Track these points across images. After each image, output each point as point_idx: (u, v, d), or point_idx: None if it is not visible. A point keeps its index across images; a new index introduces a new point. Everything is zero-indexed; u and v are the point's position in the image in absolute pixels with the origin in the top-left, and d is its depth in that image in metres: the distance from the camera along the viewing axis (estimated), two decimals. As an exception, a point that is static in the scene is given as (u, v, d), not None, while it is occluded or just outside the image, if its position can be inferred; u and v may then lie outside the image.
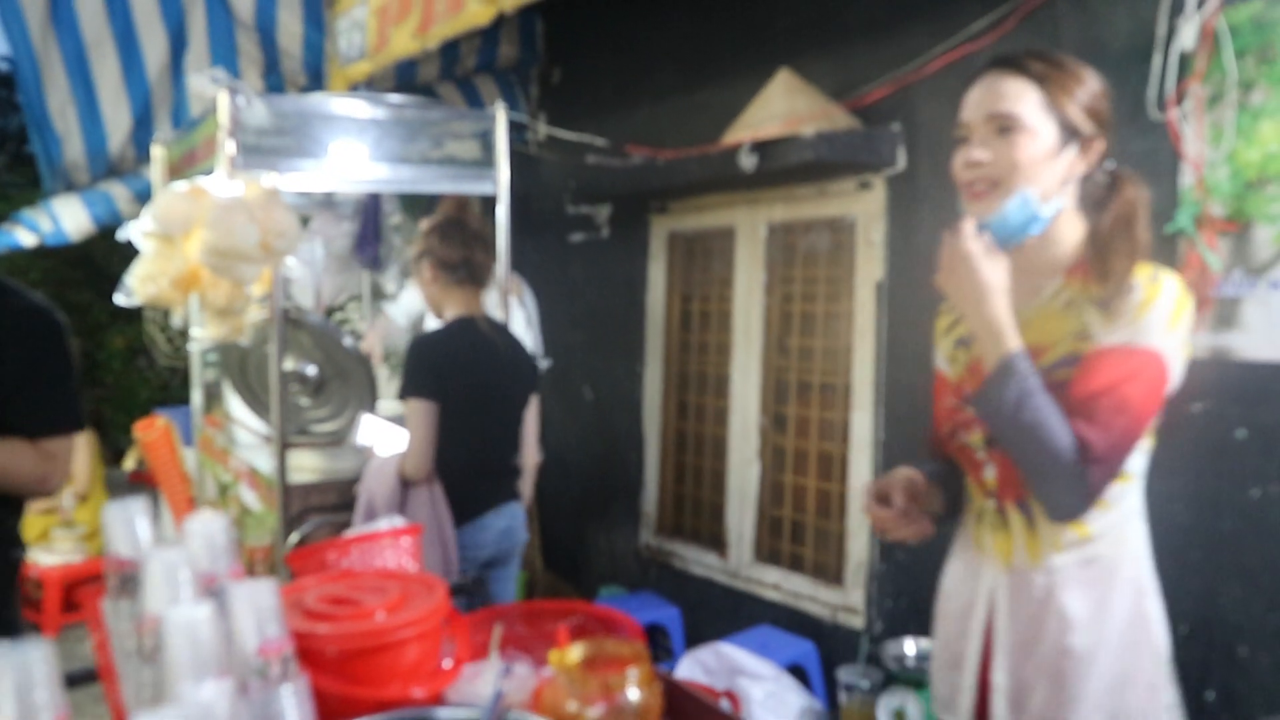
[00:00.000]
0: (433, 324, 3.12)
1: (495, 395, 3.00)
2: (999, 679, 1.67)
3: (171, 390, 9.09)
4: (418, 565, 1.94)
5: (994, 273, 1.56)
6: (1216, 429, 2.61)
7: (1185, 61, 2.61)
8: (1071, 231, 1.65)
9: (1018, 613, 1.65)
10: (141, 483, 8.07)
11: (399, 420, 3.11)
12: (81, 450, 5.18)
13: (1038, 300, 1.66)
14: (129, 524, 1.50)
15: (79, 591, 4.75)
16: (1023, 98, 1.59)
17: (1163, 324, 1.54)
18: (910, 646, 3.16)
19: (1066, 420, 1.52)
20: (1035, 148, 1.59)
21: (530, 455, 3.22)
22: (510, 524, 3.03)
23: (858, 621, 3.60)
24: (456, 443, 2.87)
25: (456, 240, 2.97)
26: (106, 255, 8.13)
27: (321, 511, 3.19)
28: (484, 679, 1.57)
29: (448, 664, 1.63)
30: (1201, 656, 2.65)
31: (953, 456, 1.82)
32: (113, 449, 8.53)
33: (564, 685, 1.47)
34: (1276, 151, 2.45)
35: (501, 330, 3.10)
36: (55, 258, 7.36)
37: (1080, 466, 1.50)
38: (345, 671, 1.50)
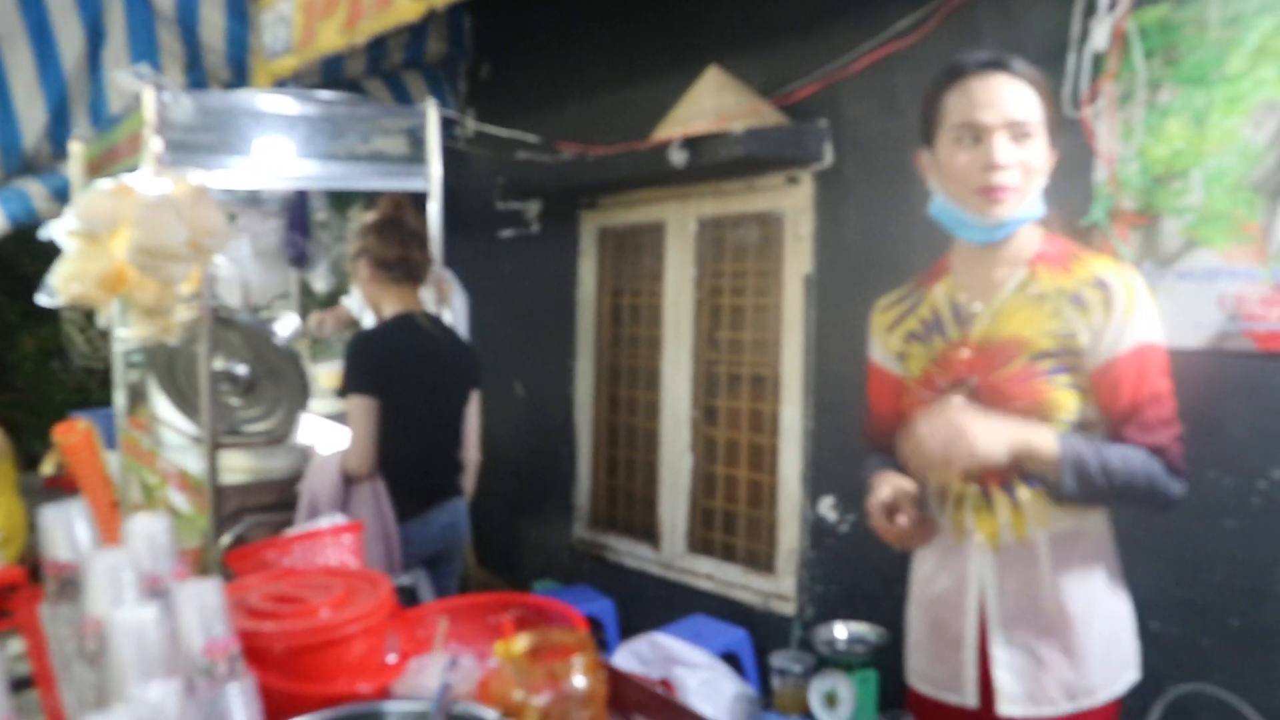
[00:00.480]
0: (371, 321, 3.12)
1: (436, 391, 3.00)
2: (999, 653, 1.76)
3: (89, 393, 8.85)
4: (360, 562, 1.95)
5: (988, 428, 1.61)
6: None
7: (1098, 61, 2.70)
8: (1031, 225, 1.77)
9: (1010, 588, 1.76)
10: (58, 488, 7.87)
11: (339, 418, 3.10)
12: None
13: (1006, 291, 1.75)
14: (68, 527, 1.48)
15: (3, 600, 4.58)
16: (1032, 104, 1.67)
17: (1152, 316, 1.69)
18: (841, 631, 3.22)
19: (1134, 442, 1.66)
20: (1041, 153, 1.70)
21: (472, 451, 3.23)
22: (454, 520, 3.05)
23: (789, 608, 3.67)
24: (399, 439, 2.87)
25: (394, 239, 2.97)
26: (17, 254, 7.88)
27: (254, 512, 3.17)
28: (430, 672, 1.59)
29: (392, 659, 1.65)
30: (1118, 632, 2.78)
31: (894, 448, 1.91)
32: (26, 454, 8.28)
33: (510, 675, 1.49)
34: (1182, 148, 2.56)
35: (441, 326, 3.11)
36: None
37: (1168, 474, 1.68)
38: (292, 668, 1.51)
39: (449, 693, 1.45)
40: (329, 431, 3.43)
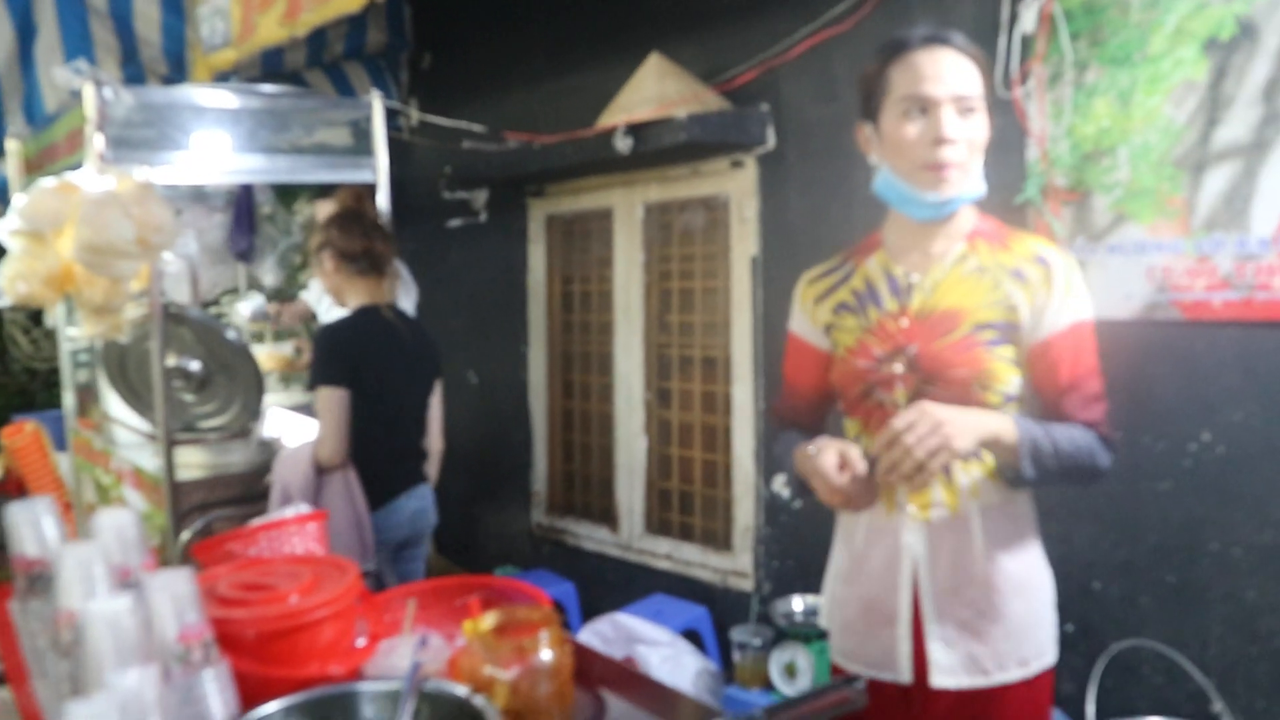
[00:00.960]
0: (335, 313, 3.12)
1: (402, 381, 3.03)
2: (932, 626, 1.74)
3: (32, 395, 8.69)
4: (325, 549, 1.98)
5: (963, 421, 1.57)
6: None
7: (1027, 44, 2.77)
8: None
9: (943, 560, 1.74)
10: (4, 492, 7.74)
11: (303, 409, 3.10)
12: None
13: (945, 264, 1.74)
14: (35, 524, 1.51)
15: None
16: (975, 79, 1.66)
17: (1085, 294, 1.71)
18: (798, 604, 3.31)
19: (1070, 419, 1.68)
20: (982, 129, 1.69)
21: (436, 440, 3.26)
22: (421, 505, 3.09)
23: (747, 584, 3.74)
24: (367, 428, 2.90)
25: (356, 231, 2.98)
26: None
27: (215, 506, 3.17)
28: (400, 653, 1.62)
29: (362, 642, 1.68)
30: (1060, 592, 2.81)
31: (816, 420, 1.95)
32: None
33: (479, 651, 1.52)
34: (1109, 126, 2.64)
35: (404, 317, 3.12)
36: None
37: (1104, 446, 1.69)
38: (264, 653, 1.53)
39: (420, 671, 1.48)
40: (295, 423, 3.44)
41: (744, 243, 3.70)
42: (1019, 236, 1.76)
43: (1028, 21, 2.76)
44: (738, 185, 3.72)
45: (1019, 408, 1.74)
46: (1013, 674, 1.73)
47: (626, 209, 4.22)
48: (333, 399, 2.86)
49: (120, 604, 1.32)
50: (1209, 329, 2.54)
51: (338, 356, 2.90)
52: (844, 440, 1.72)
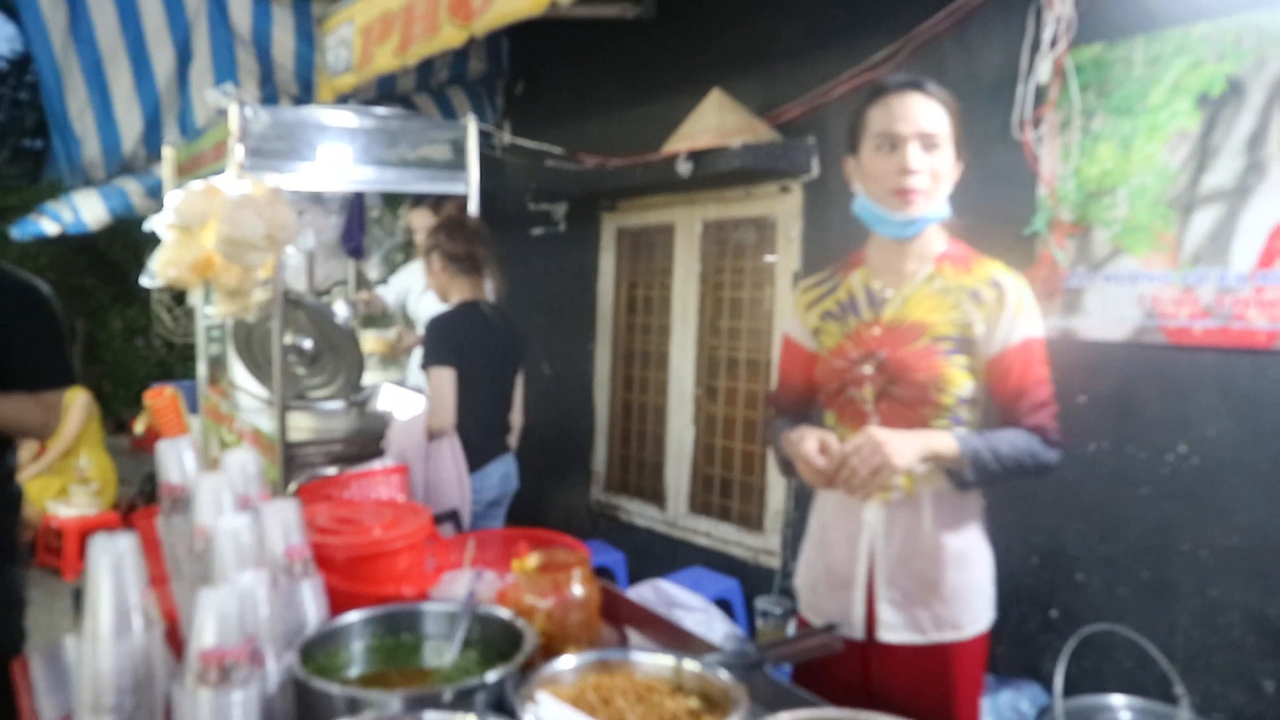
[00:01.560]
0: (437, 307, 3.34)
1: (495, 364, 3.24)
2: (883, 591, 1.87)
3: (169, 366, 9.16)
4: (405, 497, 2.18)
5: (903, 443, 1.68)
6: (1062, 396, 2.76)
7: (1041, 92, 2.85)
8: (937, 227, 1.88)
9: (896, 536, 1.86)
10: (141, 449, 8.17)
11: (402, 384, 3.31)
12: (77, 405, 5.28)
13: (915, 282, 1.85)
14: (179, 458, 1.71)
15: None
16: (941, 120, 1.78)
17: (1036, 314, 1.83)
18: (817, 580, 3.42)
19: (1019, 423, 1.79)
20: (948, 162, 1.80)
21: (518, 415, 3.49)
22: (507, 471, 3.32)
23: (774, 561, 3.86)
24: (467, 404, 3.10)
25: (460, 237, 3.19)
26: (108, 243, 8.18)
27: (315, 464, 3.40)
28: (459, 583, 1.79)
29: (430, 570, 1.87)
30: (1048, 581, 2.93)
31: (804, 410, 2.06)
32: (113, 420, 8.60)
33: (523, 584, 1.69)
34: (1111, 168, 2.72)
35: (497, 311, 3.31)
36: (61, 245, 7.42)
37: (1047, 446, 1.80)
38: (350, 573, 1.72)
39: (474, 598, 1.65)
40: (405, 398, 3.67)
41: (788, 259, 3.80)
42: (980, 261, 1.86)
43: (1043, 72, 2.83)
44: (784, 208, 3.82)
45: (971, 409, 1.84)
46: (948, 635, 1.85)
47: (687, 225, 4.32)
48: (443, 377, 3.08)
49: (242, 521, 1.51)
50: (1190, 353, 2.60)
51: (446, 342, 3.12)
52: (824, 430, 1.83)
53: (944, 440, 1.74)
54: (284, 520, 1.61)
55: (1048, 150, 2.86)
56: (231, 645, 1.31)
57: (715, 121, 3.61)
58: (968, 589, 1.87)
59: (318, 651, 1.52)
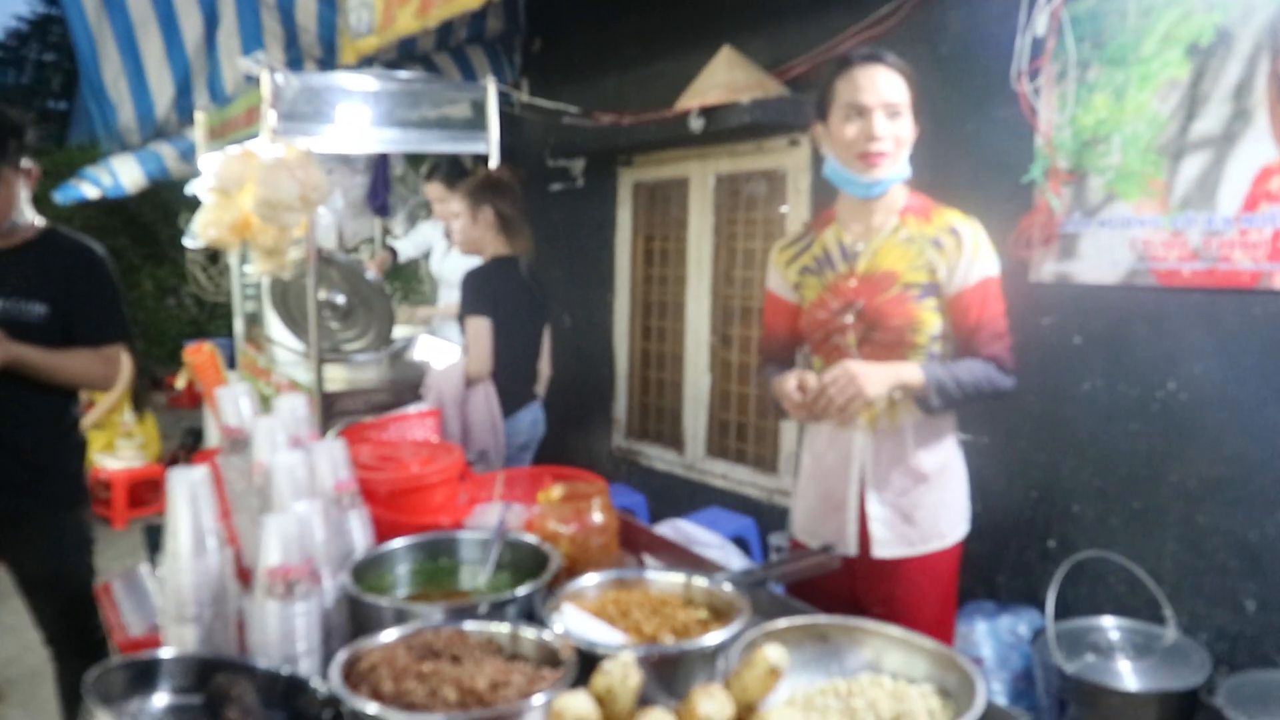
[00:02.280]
0: (464, 265, 3.47)
1: (526, 317, 3.39)
2: (874, 510, 2.06)
3: (199, 324, 9.39)
4: (439, 437, 2.35)
5: (874, 374, 1.88)
6: (1059, 337, 2.98)
7: (1038, 45, 2.92)
8: (900, 184, 2.04)
9: (883, 460, 2.05)
10: (177, 405, 8.43)
11: (434, 334, 3.45)
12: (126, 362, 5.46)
13: (883, 235, 2.02)
14: (236, 402, 1.88)
15: (142, 490, 5.13)
16: (901, 90, 1.94)
17: (991, 256, 1.99)
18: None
19: (976, 353, 1.96)
20: (908, 128, 1.97)
21: (545, 366, 3.66)
22: (535, 417, 3.50)
23: (788, 501, 3.98)
24: (501, 353, 3.26)
25: (509, 198, 3.34)
26: (139, 205, 8.33)
27: (350, 414, 3.57)
28: (490, 513, 1.97)
29: (463, 502, 2.05)
30: (1046, 514, 3.08)
31: (790, 357, 2.22)
32: (148, 377, 8.84)
33: (548, 513, 1.86)
34: (1105, 117, 2.81)
35: (529, 267, 3.46)
36: (93, 207, 7.59)
37: (1003, 373, 1.97)
38: (392, 505, 1.90)
39: (504, 526, 1.82)
40: (440, 347, 3.84)
41: (798, 210, 3.90)
42: (939, 211, 2.02)
43: (1040, 25, 2.89)
44: (794, 161, 3.91)
45: (943, 344, 2.01)
46: (933, 545, 2.05)
47: (700, 179, 4.40)
48: (481, 326, 3.24)
49: (296, 457, 1.68)
50: (1179, 294, 2.70)
51: (484, 293, 3.27)
52: (803, 370, 2.00)
53: (911, 370, 1.93)
54: (333, 457, 1.78)
55: (1044, 101, 2.94)
56: (294, 563, 1.49)
57: (726, 78, 3.69)
58: (947, 501, 2.07)
59: (367, 573, 1.70)
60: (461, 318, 3.33)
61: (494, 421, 3.28)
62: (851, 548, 2.09)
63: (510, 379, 3.35)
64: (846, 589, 2.09)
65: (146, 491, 5.51)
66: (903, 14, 3.33)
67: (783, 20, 3.83)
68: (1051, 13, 2.88)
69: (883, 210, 2.03)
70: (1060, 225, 2.94)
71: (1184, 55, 2.65)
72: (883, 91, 1.92)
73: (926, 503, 2.05)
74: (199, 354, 4.94)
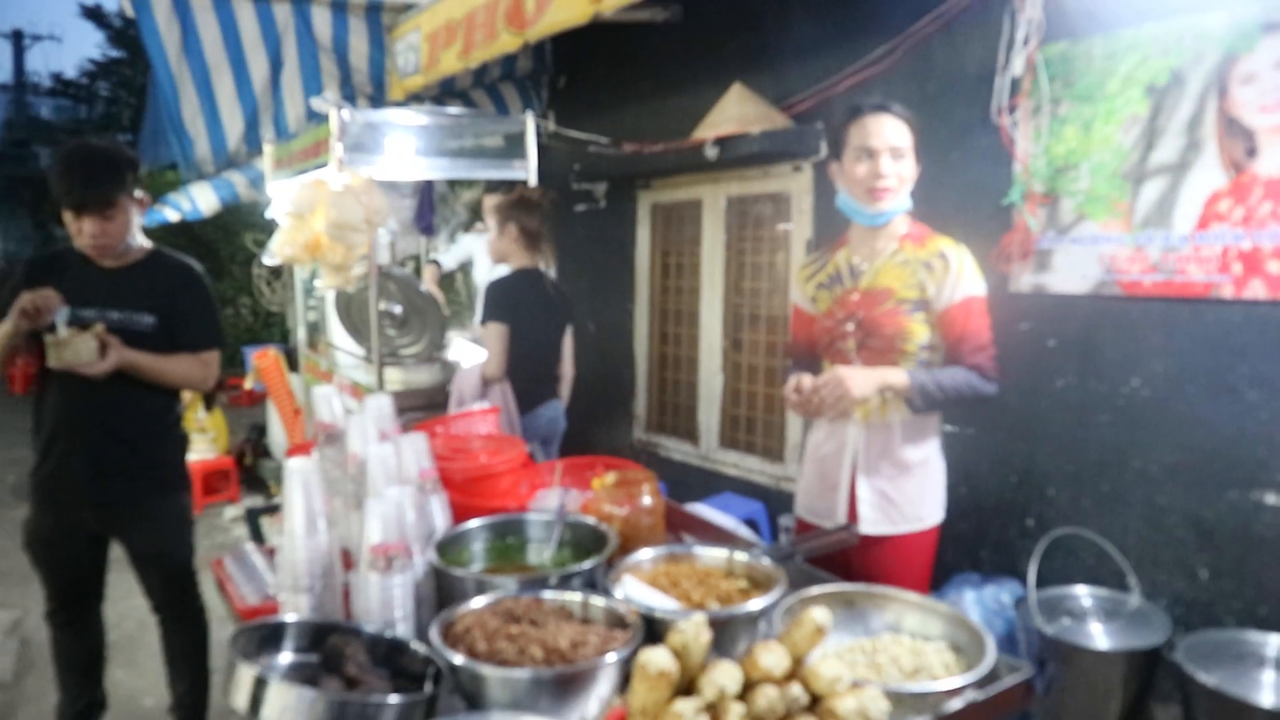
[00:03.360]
0: (495, 271, 3.52)
1: (543, 323, 3.44)
2: (863, 492, 2.16)
3: (254, 333, 9.48)
4: (498, 431, 2.42)
5: (861, 378, 1.99)
6: (1035, 340, 3.02)
7: (1015, 83, 2.97)
8: (902, 214, 2.14)
9: (873, 449, 2.15)
10: (237, 404, 8.49)
11: (477, 340, 3.51)
12: None
13: (884, 257, 2.12)
14: (329, 401, 1.95)
15: (214, 480, 5.20)
16: (904, 135, 2.05)
17: (976, 277, 2.07)
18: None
19: (960, 362, 2.05)
20: (910, 167, 2.07)
21: (568, 367, 3.70)
22: (554, 414, 3.53)
23: (793, 486, 3.99)
24: (518, 355, 3.31)
25: (535, 215, 3.39)
26: (202, 225, 8.44)
27: (406, 412, 3.64)
28: (551, 497, 2.04)
29: (526, 489, 2.12)
30: (1024, 496, 3.13)
31: (813, 360, 2.29)
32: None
33: (603, 496, 1.93)
34: (1075, 147, 2.86)
35: (549, 278, 3.51)
36: (164, 228, 7.70)
37: (985, 380, 2.06)
38: (466, 490, 1.97)
39: (564, 508, 1.90)
40: (469, 350, 3.89)
41: (801, 228, 3.93)
42: (933, 238, 2.11)
43: (1017, 66, 2.94)
44: (798, 185, 3.94)
45: (932, 354, 2.09)
46: (913, 526, 2.15)
47: (713, 200, 4.43)
48: (497, 332, 3.29)
49: (386, 448, 1.76)
50: (1141, 302, 2.75)
51: (502, 302, 3.33)
52: (801, 373, 2.11)
53: (896, 375, 2.03)
54: (416, 449, 1.86)
55: (1021, 132, 2.99)
56: (393, 541, 1.57)
57: (737, 111, 3.74)
58: (927, 490, 2.17)
59: (448, 550, 1.77)
60: (482, 323, 3.37)
61: (511, 418, 3.32)
62: (840, 522, 2.21)
63: (528, 379, 3.38)
64: (840, 560, 2.18)
65: (218, 480, 5.59)
66: (895, 56, 3.38)
67: (787, 60, 3.88)
68: (1027, 55, 2.92)
69: (885, 236, 2.13)
70: (1036, 242, 2.99)
71: (1143, 94, 2.71)
72: (889, 137, 2.03)
73: (909, 489, 2.15)
74: (265, 358, 5.02)
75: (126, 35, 15.60)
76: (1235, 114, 2.52)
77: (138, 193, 2.46)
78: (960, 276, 2.06)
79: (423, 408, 3.66)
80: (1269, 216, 2.46)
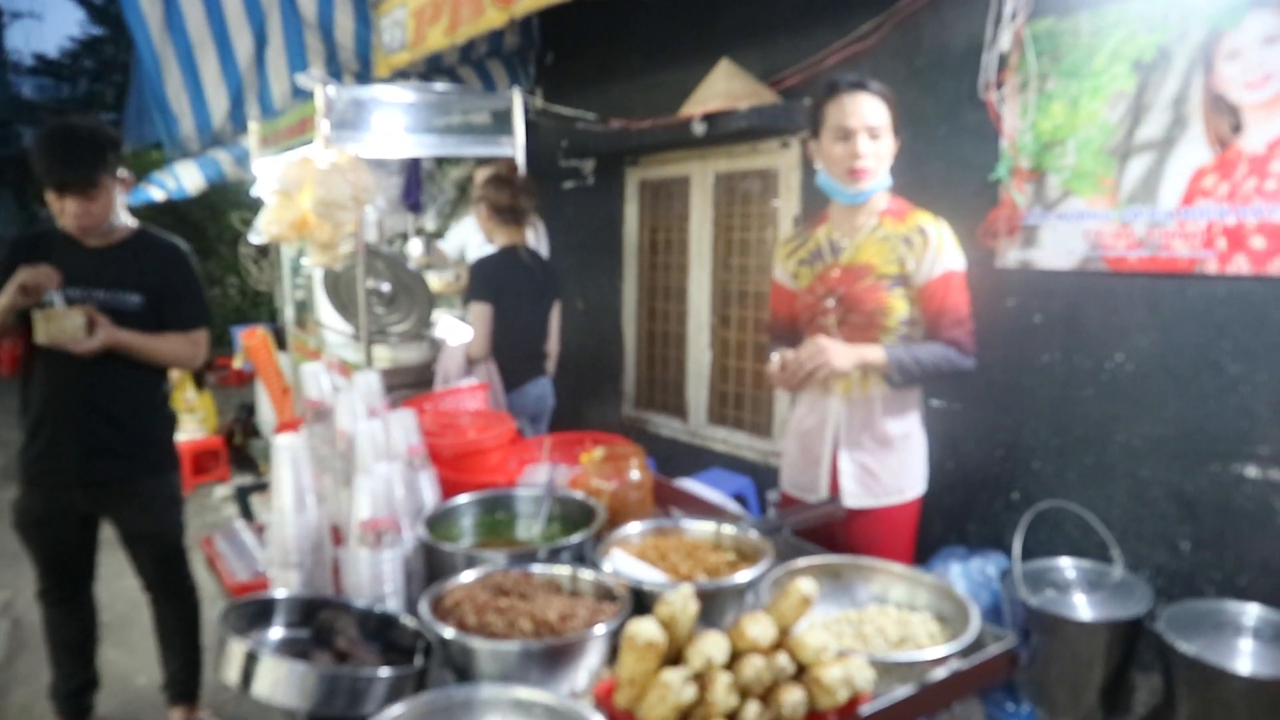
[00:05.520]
0: (483, 250, 3.49)
1: (529, 301, 3.41)
2: (844, 465, 2.17)
3: (243, 311, 9.41)
4: (487, 407, 2.42)
5: (841, 351, 2.00)
6: (1022, 316, 3.03)
7: (1003, 59, 2.96)
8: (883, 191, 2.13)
9: (854, 423, 2.16)
10: (225, 384, 8.46)
11: (463, 319, 3.50)
12: None
13: (864, 233, 2.11)
14: (318, 378, 1.94)
15: (204, 459, 5.18)
16: (882, 113, 2.03)
17: (955, 252, 2.07)
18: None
19: (939, 337, 2.05)
20: (888, 145, 2.06)
21: (554, 343, 3.68)
22: (542, 392, 3.52)
23: (780, 462, 4.08)
24: (504, 334, 3.29)
25: (506, 192, 3.34)
26: (189, 205, 8.35)
27: (394, 390, 3.62)
28: (540, 472, 2.05)
29: (515, 465, 2.13)
30: (1010, 470, 3.15)
31: (793, 336, 2.29)
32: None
33: (591, 471, 1.93)
34: (1062, 123, 2.86)
35: (535, 255, 3.47)
36: (150, 207, 7.62)
37: (962, 355, 2.06)
38: (455, 466, 1.97)
39: (553, 483, 1.90)
40: (455, 328, 3.87)
41: (788, 204, 3.93)
42: (913, 213, 2.11)
43: (1004, 42, 2.94)
44: (785, 161, 3.94)
45: (912, 328, 2.10)
46: (894, 499, 2.16)
47: (701, 177, 4.42)
48: (481, 311, 3.27)
49: (375, 424, 1.75)
50: (1126, 278, 2.77)
51: (485, 281, 3.30)
52: (785, 349, 2.12)
53: (875, 351, 2.04)
54: (405, 425, 1.86)
55: (1008, 109, 2.99)
56: (382, 516, 1.57)
57: (725, 87, 3.72)
58: (908, 464, 2.17)
59: (437, 525, 1.77)
60: (466, 302, 3.35)
61: (496, 396, 3.31)
62: (823, 496, 2.22)
63: (513, 357, 3.36)
64: (825, 533, 2.19)
65: (207, 460, 5.57)
66: (883, 32, 3.36)
67: (775, 35, 3.86)
68: (1015, 31, 2.92)
69: (866, 212, 2.13)
70: (1023, 218, 2.99)
71: (1130, 70, 2.70)
72: (866, 115, 2.01)
73: (890, 463, 2.16)
74: (253, 337, 5.00)
75: (108, 12, 15.39)
76: (1221, 90, 2.52)
77: (121, 172, 2.44)
78: (940, 251, 2.06)
79: (410, 385, 3.65)
80: (1253, 192, 2.47)
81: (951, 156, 3.20)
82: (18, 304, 2.30)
